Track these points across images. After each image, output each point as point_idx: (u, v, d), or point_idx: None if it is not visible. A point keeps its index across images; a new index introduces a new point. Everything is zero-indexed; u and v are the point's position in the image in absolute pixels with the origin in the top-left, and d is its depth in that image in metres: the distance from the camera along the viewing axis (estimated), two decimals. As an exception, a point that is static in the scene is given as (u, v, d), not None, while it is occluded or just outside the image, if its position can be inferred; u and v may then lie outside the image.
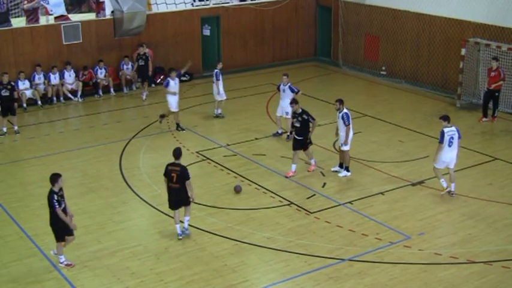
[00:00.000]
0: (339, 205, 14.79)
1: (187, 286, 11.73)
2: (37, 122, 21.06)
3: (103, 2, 23.46)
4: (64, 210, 12.10)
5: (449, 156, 14.75)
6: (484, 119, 20.13)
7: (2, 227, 13.95)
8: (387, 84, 24.70)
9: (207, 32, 26.06)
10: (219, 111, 20.96)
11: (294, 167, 16.23)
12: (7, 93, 19.55)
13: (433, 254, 12.66)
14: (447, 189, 15.04)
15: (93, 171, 16.93)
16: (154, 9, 24.55)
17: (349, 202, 14.91)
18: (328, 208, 14.64)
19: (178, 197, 13.11)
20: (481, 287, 11.60)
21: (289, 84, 18.51)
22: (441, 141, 14.61)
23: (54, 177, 12.07)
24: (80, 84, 22.96)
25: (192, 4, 25.43)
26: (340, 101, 15.96)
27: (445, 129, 14.63)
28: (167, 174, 13.07)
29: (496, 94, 19.97)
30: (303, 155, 16.44)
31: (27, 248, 13.08)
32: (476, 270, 12.07)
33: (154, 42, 24.41)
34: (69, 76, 22.85)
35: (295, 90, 18.42)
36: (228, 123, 20.49)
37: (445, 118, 14.75)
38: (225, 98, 20.68)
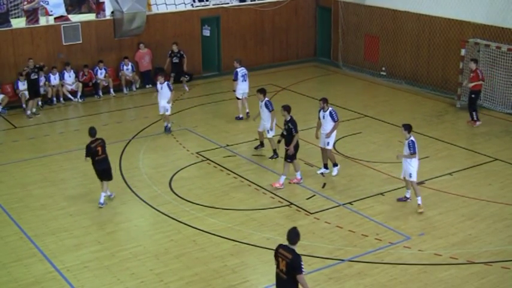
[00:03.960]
0: (339, 206, 14.79)
1: (187, 287, 11.73)
2: (37, 122, 21.04)
3: (103, 3, 23.45)
4: None
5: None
6: (469, 120, 20.09)
7: (2, 228, 13.95)
8: (387, 85, 24.68)
9: (207, 33, 26.03)
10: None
11: (282, 178, 15.62)
12: (35, 77, 21.16)
13: (433, 255, 12.66)
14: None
15: (93, 172, 16.84)
16: (154, 10, 24.53)
17: (349, 203, 14.91)
18: (328, 209, 14.64)
19: (105, 165, 14.81)
20: (481, 287, 11.61)
21: (266, 99, 17.46)
22: (415, 151, 14.30)
23: (297, 233, 9.38)
24: (80, 84, 22.95)
25: (192, 5, 25.41)
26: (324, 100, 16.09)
27: (414, 139, 14.32)
28: (92, 151, 14.49)
29: (473, 96, 19.76)
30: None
31: (27, 248, 13.08)
32: (476, 271, 12.07)
33: (154, 42, 24.40)
34: (69, 77, 22.84)
35: (271, 108, 17.29)
36: (228, 123, 20.48)
37: (407, 127, 14.29)
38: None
